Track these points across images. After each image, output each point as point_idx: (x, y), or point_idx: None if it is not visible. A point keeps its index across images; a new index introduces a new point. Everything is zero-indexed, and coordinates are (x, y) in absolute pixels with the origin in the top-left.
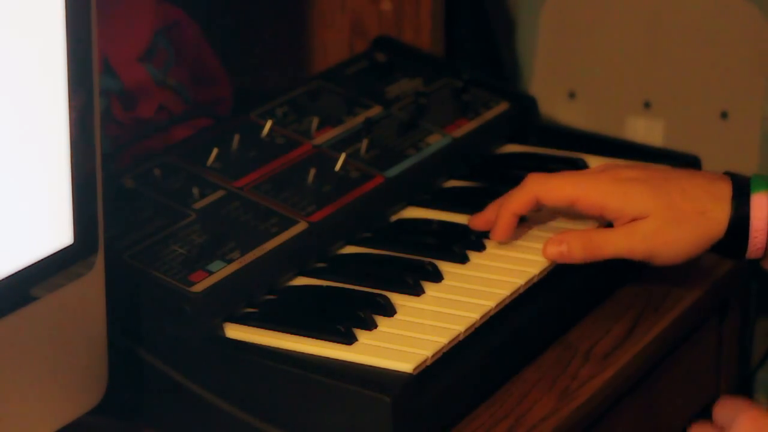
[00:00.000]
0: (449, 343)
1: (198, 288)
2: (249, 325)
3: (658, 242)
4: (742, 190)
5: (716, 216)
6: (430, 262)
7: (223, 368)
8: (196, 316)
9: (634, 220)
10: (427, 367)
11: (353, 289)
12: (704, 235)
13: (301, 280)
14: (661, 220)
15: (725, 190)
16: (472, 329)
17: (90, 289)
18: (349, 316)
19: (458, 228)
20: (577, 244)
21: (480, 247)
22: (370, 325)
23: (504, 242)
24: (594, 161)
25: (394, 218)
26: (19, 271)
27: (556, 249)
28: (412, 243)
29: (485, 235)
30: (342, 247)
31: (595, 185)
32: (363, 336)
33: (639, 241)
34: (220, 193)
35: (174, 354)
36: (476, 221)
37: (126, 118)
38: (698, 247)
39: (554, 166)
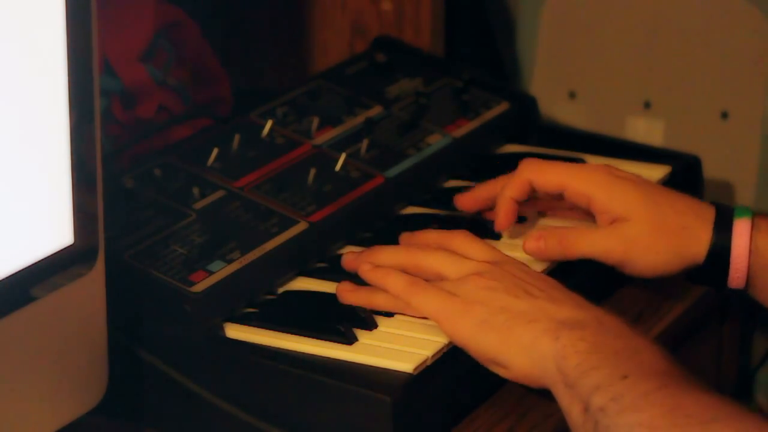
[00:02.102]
0: (449, 343)
1: (198, 288)
2: (249, 325)
3: (636, 248)
4: (724, 216)
5: (698, 234)
6: None
7: (223, 368)
8: (196, 316)
9: (616, 220)
10: (427, 367)
11: None
12: (683, 250)
13: (301, 280)
14: (643, 225)
15: (709, 213)
16: None
17: (90, 289)
18: (349, 316)
19: (460, 224)
20: (553, 240)
21: None
22: (371, 325)
23: (508, 230)
24: (594, 161)
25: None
26: (19, 271)
27: (534, 244)
28: None
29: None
30: (342, 247)
31: (587, 175)
32: (363, 336)
33: (617, 243)
34: (220, 193)
35: (174, 354)
36: (464, 201)
37: (126, 118)
38: (675, 263)
39: None
